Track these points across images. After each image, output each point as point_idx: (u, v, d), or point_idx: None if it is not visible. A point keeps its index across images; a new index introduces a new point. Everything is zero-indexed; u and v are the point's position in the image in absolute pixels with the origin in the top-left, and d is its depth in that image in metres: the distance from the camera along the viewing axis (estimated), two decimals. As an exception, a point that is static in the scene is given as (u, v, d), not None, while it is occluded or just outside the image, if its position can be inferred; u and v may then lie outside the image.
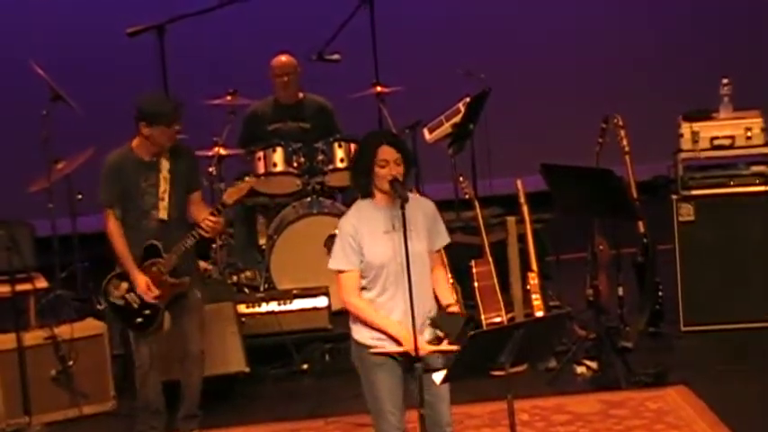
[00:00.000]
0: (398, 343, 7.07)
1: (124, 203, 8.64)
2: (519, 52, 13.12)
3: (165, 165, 8.64)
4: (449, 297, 7.37)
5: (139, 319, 8.75)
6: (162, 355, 8.92)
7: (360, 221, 7.18)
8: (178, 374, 8.97)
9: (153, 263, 8.63)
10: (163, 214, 8.64)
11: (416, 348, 6.95)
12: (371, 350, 7.14)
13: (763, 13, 13.34)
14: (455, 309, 7.39)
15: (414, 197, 7.27)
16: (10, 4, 12.65)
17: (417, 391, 7.10)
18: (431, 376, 7.13)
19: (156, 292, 8.59)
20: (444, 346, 7.09)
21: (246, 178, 8.95)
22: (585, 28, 13.31)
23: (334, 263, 7.20)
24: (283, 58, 10.82)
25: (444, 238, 7.41)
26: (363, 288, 7.17)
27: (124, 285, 8.70)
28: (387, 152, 7.13)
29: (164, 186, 8.63)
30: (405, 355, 7.05)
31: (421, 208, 7.27)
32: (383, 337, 7.16)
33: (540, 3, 13.31)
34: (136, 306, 8.70)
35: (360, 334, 7.22)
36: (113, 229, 8.65)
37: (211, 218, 8.67)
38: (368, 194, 7.22)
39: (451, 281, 9.72)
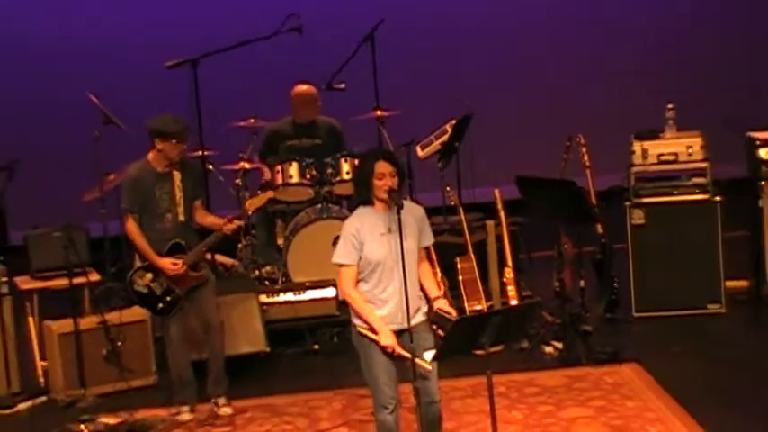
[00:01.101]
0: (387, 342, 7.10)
1: (142, 208, 8.67)
2: (498, 81, 13.10)
3: (176, 175, 8.70)
4: (435, 290, 7.37)
5: (161, 305, 8.79)
6: (190, 337, 8.95)
7: (362, 224, 7.19)
8: (205, 353, 8.98)
9: (178, 257, 8.67)
10: (180, 217, 8.69)
11: (396, 348, 7.03)
12: (359, 327, 7.17)
13: (704, 48, 13.35)
14: (444, 303, 7.37)
15: (406, 204, 7.26)
16: (70, 46, 12.66)
17: (411, 368, 7.10)
18: (422, 354, 7.11)
19: (180, 263, 8.61)
20: (418, 360, 7.06)
21: (263, 192, 9.02)
22: (554, 58, 13.29)
23: (338, 257, 7.21)
24: (304, 86, 10.81)
25: (430, 238, 7.42)
26: (361, 280, 7.17)
27: (148, 276, 8.73)
28: (383, 166, 7.15)
29: (179, 194, 8.68)
30: (382, 348, 7.08)
31: (412, 213, 7.28)
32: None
33: (515, 41, 13.24)
34: (159, 293, 8.73)
35: (358, 319, 7.24)
36: (133, 229, 8.68)
37: (235, 222, 8.75)
38: (367, 202, 7.23)
39: (440, 275, 9.77)
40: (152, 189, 8.68)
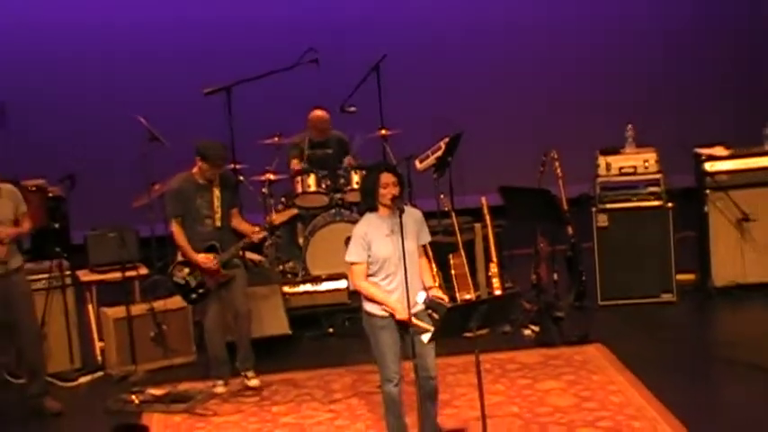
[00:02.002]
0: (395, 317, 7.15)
1: (185, 213, 8.71)
2: (485, 105, 13.02)
3: (216, 187, 8.72)
4: (430, 280, 7.41)
5: (194, 296, 8.85)
6: (227, 322, 8.98)
7: (369, 228, 7.22)
8: (235, 335, 9.00)
9: (212, 257, 8.72)
10: (218, 223, 8.72)
11: (410, 318, 7.04)
12: (382, 308, 7.16)
13: (659, 78, 13.33)
14: (438, 292, 7.40)
15: (407, 208, 7.29)
16: (123, 74, 12.65)
17: (410, 347, 7.18)
18: (421, 336, 7.16)
19: (213, 259, 8.64)
20: (423, 324, 7.16)
21: (291, 209, 9.09)
22: (532, 85, 13.24)
23: (350, 257, 7.24)
24: (319, 112, 10.81)
25: (427, 237, 7.44)
26: (371, 275, 7.19)
27: (186, 270, 8.77)
28: (387, 177, 7.19)
29: (216, 203, 8.71)
30: (399, 322, 7.14)
31: (412, 216, 7.30)
32: (385, 307, 7.22)
33: (500, 71, 13.19)
34: (193, 285, 8.77)
35: (369, 306, 7.25)
36: (177, 231, 8.72)
37: (261, 232, 8.87)
38: (373, 208, 7.26)
39: (435, 269, 9.78)
40: (193, 197, 8.71)
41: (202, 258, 8.69)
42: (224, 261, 8.75)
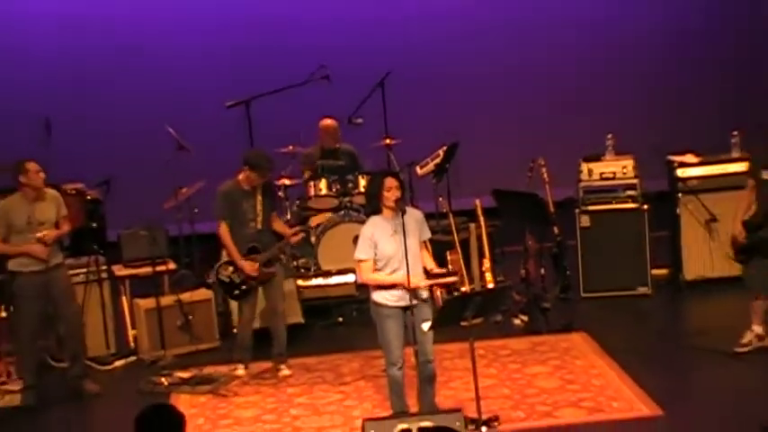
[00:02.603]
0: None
1: (231, 217, 8.74)
2: (479, 116, 12.99)
3: (259, 194, 8.75)
4: (430, 264, 7.51)
5: (237, 292, 8.85)
6: (254, 314, 9.00)
7: (375, 229, 7.28)
8: (266, 324, 9.02)
9: (253, 258, 8.74)
10: (260, 225, 8.75)
11: (410, 285, 7.16)
12: (388, 299, 7.23)
13: (631, 93, 13.30)
14: (438, 270, 7.55)
15: (408, 209, 7.36)
16: (154, 89, 12.67)
17: (412, 334, 7.26)
18: (422, 325, 7.23)
19: (256, 267, 8.68)
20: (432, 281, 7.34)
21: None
22: (521, 99, 13.22)
23: (359, 254, 7.30)
24: (329, 120, 10.79)
25: (428, 234, 7.53)
26: (378, 270, 7.25)
27: (230, 269, 8.79)
28: (390, 182, 7.26)
29: (259, 207, 8.73)
30: (406, 289, 7.17)
31: (413, 216, 7.37)
32: (390, 297, 7.26)
33: (492, 84, 13.15)
34: (237, 282, 8.78)
35: (376, 296, 7.31)
36: (224, 233, 8.74)
37: (299, 234, 8.92)
38: (377, 211, 7.32)
39: (434, 264, 9.81)
40: (239, 202, 8.71)
41: (246, 265, 8.69)
42: (264, 260, 8.76)
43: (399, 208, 7.20)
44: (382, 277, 7.26)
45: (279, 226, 8.98)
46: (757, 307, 8.61)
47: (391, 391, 7.45)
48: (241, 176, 8.75)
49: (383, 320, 7.30)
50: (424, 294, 7.35)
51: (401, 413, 7.28)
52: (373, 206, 7.35)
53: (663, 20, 13.41)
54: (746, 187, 8.61)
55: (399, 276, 7.19)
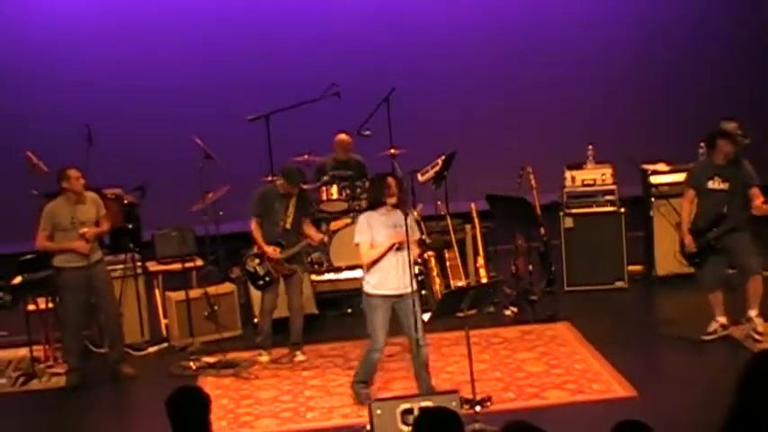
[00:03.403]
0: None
1: (263, 214, 8.76)
2: (474, 128, 12.98)
3: (292, 197, 8.76)
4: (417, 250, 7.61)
5: (261, 282, 8.84)
6: (275, 305, 8.98)
7: (370, 218, 7.42)
8: (284, 314, 8.99)
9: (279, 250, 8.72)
10: (287, 225, 8.74)
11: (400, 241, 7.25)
12: (377, 290, 7.35)
13: (610, 109, 13.27)
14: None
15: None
16: (183, 102, 12.65)
17: (412, 323, 7.29)
18: (417, 313, 7.29)
19: (278, 251, 8.66)
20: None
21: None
22: (509, 112, 13.18)
23: (357, 238, 7.43)
24: (344, 135, 10.73)
25: (417, 234, 7.65)
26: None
27: (256, 261, 8.78)
28: (391, 183, 7.37)
29: (291, 209, 8.74)
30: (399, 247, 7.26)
31: (410, 217, 7.45)
32: (379, 285, 7.36)
33: (485, 98, 13.12)
34: (261, 274, 8.79)
35: (367, 287, 7.41)
36: (255, 227, 8.75)
37: (319, 236, 8.93)
38: (377, 205, 7.39)
39: (434, 261, 9.71)
40: (272, 203, 8.73)
41: (270, 249, 8.70)
42: (287, 256, 8.75)
43: (402, 208, 7.28)
44: (375, 251, 7.35)
45: (308, 229, 8.96)
46: (714, 299, 8.61)
47: (366, 368, 7.67)
48: (279, 182, 8.84)
49: (372, 310, 7.42)
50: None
51: (403, 396, 7.26)
52: (372, 202, 7.45)
53: (641, 45, 13.40)
54: (685, 197, 8.57)
55: (392, 239, 7.29)
